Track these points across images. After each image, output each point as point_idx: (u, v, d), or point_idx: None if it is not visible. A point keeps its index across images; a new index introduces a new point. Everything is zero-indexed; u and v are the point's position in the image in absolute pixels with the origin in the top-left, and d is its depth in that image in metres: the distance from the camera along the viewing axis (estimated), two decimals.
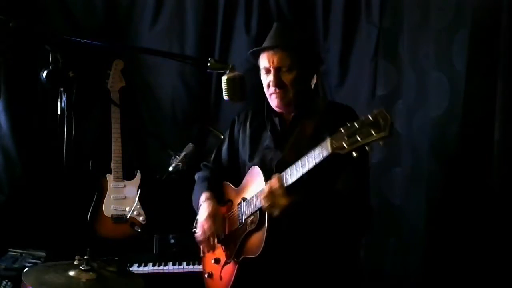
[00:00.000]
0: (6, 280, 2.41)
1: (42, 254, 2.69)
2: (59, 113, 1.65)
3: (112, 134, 3.06)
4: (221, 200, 2.24)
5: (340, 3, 3.13)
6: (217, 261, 2.20)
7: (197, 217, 2.23)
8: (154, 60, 3.26)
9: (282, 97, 2.04)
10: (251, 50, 2.12)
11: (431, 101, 2.52)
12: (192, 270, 2.84)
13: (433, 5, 2.53)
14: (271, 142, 2.10)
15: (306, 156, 1.74)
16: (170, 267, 2.86)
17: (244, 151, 2.21)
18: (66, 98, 1.64)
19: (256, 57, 2.10)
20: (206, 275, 2.29)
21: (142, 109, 3.36)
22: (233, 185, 2.22)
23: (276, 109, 2.10)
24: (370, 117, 1.53)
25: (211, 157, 2.41)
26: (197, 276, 2.76)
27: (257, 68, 2.12)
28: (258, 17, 3.22)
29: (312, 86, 2.16)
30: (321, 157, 1.67)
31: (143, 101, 3.35)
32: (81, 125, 3.05)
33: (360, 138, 1.53)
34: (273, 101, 2.07)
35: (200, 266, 2.77)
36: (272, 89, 2.04)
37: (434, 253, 2.47)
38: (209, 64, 1.93)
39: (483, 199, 2.21)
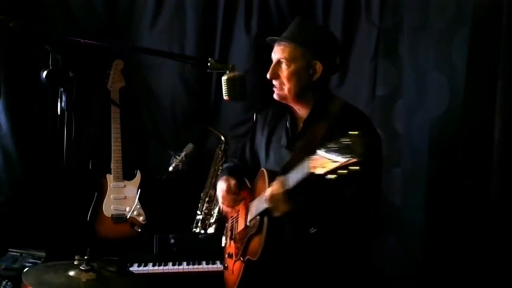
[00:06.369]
0: (6, 280, 2.41)
1: (42, 254, 2.69)
2: (59, 113, 1.65)
3: (112, 134, 3.06)
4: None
5: (340, 3, 3.12)
6: (230, 255, 2.26)
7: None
8: (154, 60, 3.26)
9: (277, 90, 2.03)
10: (269, 38, 2.08)
11: (431, 101, 2.52)
12: (192, 270, 2.83)
13: (433, 5, 2.53)
14: (285, 142, 2.09)
15: (300, 166, 1.69)
16: (170, 267, 2.85)
17: (261, 150, 2.21)
18: (66, 98, 1.64)
19: None
20: (223, 266, 2.35)
21: (142, 109, 3.36)
22: (250, 184, 2.22)
23: (281, 102, 2.07)
24: (347, 140, 1.46)
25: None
26: (197, 276, 2.77)
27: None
28: (258, 17, 3.21)
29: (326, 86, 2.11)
30: (304, 173, 1.65)
31: (143, 101, 3.35)
32: (81, 125, 3.06)
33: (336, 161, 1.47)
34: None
35: (200, 266, 2.80)
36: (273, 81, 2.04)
37: (434, 253, 2.47)
38: (209, 64, 1.92)
39: (482, 199, 2.21)
